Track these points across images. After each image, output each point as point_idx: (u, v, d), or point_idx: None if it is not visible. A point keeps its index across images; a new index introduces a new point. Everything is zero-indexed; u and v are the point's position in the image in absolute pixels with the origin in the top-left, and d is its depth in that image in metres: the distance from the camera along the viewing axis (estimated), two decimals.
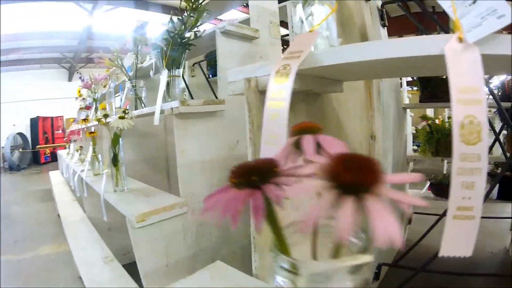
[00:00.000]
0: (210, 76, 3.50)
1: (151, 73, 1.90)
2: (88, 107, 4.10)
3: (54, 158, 11.88)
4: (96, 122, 2.76)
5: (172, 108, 1.61)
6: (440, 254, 0.66)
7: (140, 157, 2.93)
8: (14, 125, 12.32)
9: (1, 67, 10.95)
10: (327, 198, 0.30)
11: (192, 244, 1.67)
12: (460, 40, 0.63)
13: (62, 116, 13.64)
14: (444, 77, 1.03)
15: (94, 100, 3.61)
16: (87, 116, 3.52)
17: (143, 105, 2.34)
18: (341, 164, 0.31)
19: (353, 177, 0.30)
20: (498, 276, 2.17)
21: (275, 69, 0.86)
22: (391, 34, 2.15)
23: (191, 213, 1.66)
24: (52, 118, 13.32)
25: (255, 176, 0.34)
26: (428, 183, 4.99)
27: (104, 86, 3.66)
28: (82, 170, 2.75)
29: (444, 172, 5.07)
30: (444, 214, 0.65)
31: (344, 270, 0.33)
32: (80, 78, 4.31)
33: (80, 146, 3.64)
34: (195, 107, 1.67)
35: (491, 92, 1.79)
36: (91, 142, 2.60)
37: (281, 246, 0.37)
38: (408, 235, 2.69)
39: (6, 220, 4.83)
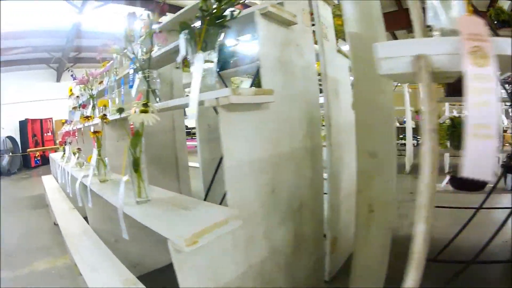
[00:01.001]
0: (218, 69, 3.17)
1: (179, 57, 1.53)
2: (83, 105, 3.70)
3: (44, 161, 11.42)
4: (97, 121, 2.38)
5: (217, 99, 1.29)
6: (463, 174, 0.71)
7: (146, 158, 2.57)
8: (3, 128, 11.77)
9: None
10: None
11: (242, 261, 1.42)
12: None
13: (51, 118, 13.16)
14: None
15: (91, 96, 3.23)
16: (91, 113, 3.12)
17: (157, 99, 1.96)
18: None
19: None
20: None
21: (466, 49, 0.76)
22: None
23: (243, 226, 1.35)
24: (41, 120, 12.80)
25: None
26: (447, 177, 4.81)
27: (100, 83, 3.32)
28: (85, 176, 2.36)
29: None
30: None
31: None
32: (72, 76, 3.95)
33: (78, 149, 3.23)
34: (247, 97, 1.39)
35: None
36: (95, 144, 2.20)
37: None
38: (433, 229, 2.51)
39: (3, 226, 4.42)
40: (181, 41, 1.50)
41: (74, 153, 3.24)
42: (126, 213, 1.44)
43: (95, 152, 2.15)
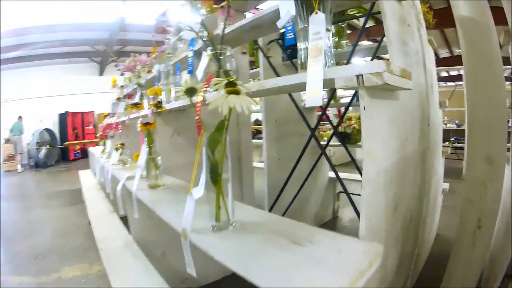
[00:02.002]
0: (286, 58, 2.86)
1: (280, 21, 1.06)
2: (129, 96, 3.26)
3: (84, 154, 11.19)
4: (148, 112, 1.92)
5: (361, 77, 0.86)
6: None
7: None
8: (41, 121, 11.70)
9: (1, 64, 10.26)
10: None
11: None
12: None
13: (92, 111, 13.06)
14: None
15: (139, 85, 2.79)
16: (141, 99, 2.67)
17: None
18: None
19: None
20: None
21: None
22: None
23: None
24: (82, 113, 12.73)
25: None
26: None
27: (149, 72, 2.91)
28: (130, 178, 1.89)
29: None
30: None
31: None
32: (115, 66, 3.57)
33: (121, 144, 2.77)
34: (398, 79, 0.94)
35: None
36: (143, 140, 1.71)
37: None
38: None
39: (26, 227, 4.03)
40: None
41: (117, 149, 2.78)
42: (197, 245, 0.93)
43: (144, 149, 1.66)
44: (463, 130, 5.68)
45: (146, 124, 1.65)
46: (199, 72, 1.55)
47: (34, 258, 3.07)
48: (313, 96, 0.88)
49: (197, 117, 1.03)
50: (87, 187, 4.09)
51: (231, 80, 0.94)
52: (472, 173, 1.58)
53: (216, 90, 0.93)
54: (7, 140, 10.72)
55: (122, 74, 3.27)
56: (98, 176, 3.78)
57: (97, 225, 2.56)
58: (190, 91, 1.04)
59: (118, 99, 3.75)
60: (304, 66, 1.06)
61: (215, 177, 0.95)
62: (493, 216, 1.56)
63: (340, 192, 3.71)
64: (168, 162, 2.06)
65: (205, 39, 1.62)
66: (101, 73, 13.47)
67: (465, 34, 1.57)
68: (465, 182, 1.60)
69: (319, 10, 0.98)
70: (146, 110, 1.96)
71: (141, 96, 2.79)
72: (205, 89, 1.10)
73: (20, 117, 10.75)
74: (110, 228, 2.45)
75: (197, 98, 1.05)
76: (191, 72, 1.95)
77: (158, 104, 1.76)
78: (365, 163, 0.92)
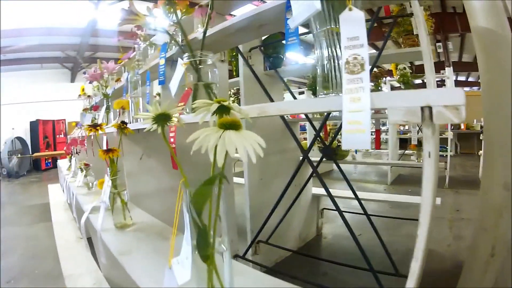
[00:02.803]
0: (268, 68, 2.68)
1: (295, 20, 0.74)
2: (95, 107, 2.90)
3: (56, 164, 10.66)
4: (112, 130, 1.59)
5: (430, 109, 0.59)
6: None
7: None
8: (13, 128, 11.09)
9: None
10: None
11: None
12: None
13: (64, 119, 12.48)
14: None
15: (105, 96, 2.45)
16: (105, 118, 2.33)
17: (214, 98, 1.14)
18: None
19: None
20: None
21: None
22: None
23: None
24: (53, 121, 12.15)
25: None
26: None
27: (117, 81, 2.61)
28: (95, 209, 1.55)
29: None
30: None
31: None
32: (84, 73, 3.24)
33: (86, 164, 2.40)
34: None
35: None
36: (107, 170, 1.36)
37: None
38: None
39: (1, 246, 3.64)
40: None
41: (81, 169, 2.41)
42: None
43: (107, 181, 1.31)
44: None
45: (107, 150, 1.30)
46: (173, 85, 1.21)
47: (7, 282, 2.79)
48: (356, 132, 0.56)
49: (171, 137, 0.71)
50: (55, 205, 3.69)
51: (222, 102, 0.61)
52: (488, 200, 1.46)
53: (199, 115, 0.61)
54: None
55: (90, 82, 2.91)
56: (66, 196, 3.40)
57: (64, 257, 2.20)
58: (162, 118, 0.71)
59: (85, 109, 3.38)
60: (329, 85, 0.75)
61: (204, 250, 0.61)
62: (506, 244, 1.41)
63: (324, 208, 3.49)
64: (137, 189, 1.73)
65: (181, 43, 1.29)
66: (72, 79, 12.87)
67: (482, 44, 1.41)
68: (481, 209, 1.49)
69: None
70: (111, 128, 1.60)
71: (107, 108, 2.44)
72: (180, 109, 0.78)
73: None
74: (78, 260, 2.09)
75: (171, 122, 0.72)
76: (163, 83, 1.71)
77: (122, 126, 1.40)
78: None
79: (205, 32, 1.22)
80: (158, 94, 5.06)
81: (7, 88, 11.17)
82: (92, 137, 2.45)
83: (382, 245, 2.15)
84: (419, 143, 4.52)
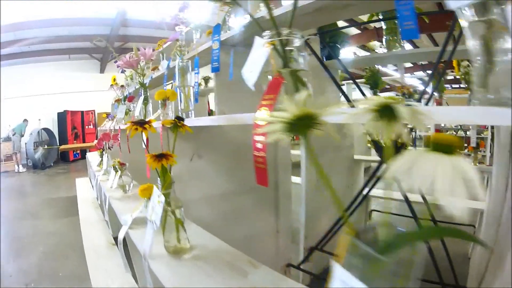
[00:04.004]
0: (324, 58, 2.37)
1: None
2: (130, 98, 2.62)
3: (85, 155, 10.47)
4: (157, 125, 1.30)
5: None
6: None
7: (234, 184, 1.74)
8: (39, 119, 11.00)
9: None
10: None
11: None
12: None
13: (93, 110, 12.36)
14: None
15: (142, 85, 2.17)
16: (142, 109, 2.04)
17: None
18: None
19: None
20: None
21: None
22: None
23: None
24: (82, 112, 12.04)
25: None
26: None
27: (153, 69, 2.48)
28: (136, 224, 1.26)
29: None
30: None
31: None
32: (115, 62, 3.00)
33: (121, 163, 2.10)
34: None
35: None
36: (159, 181, 1.03)
37: None
38: None
39: (16, 244, 3.39)
40: None
41: (115, 169, 2.11)
42: None
43: (157, 196, 0.99)
44: None
45: (158, 157, 0.99)
46: (252, 71, 0.89)
47: (26, 285, 2.56)
48: None
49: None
50: (83, 201, 3.42)
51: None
52: None
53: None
54: (7, 139, 10.03)
55: (122, 71, 2.64)
56: (96, 193, 3.13)
57: (94, 265, 1.94)
58: (305, 123, 0.40)
59: (118, 100, 3.12)
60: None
61: None
62: None
63: (373, 210, 3.26)
64: (186, 197, 1.44)
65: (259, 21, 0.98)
66: (102, 70, 12.70)
67: None
68: None
69: None
70: (157, 123, 1.29)
71: (146, 99, 2.16)
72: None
73: (25, 120, 10.15)
74: (111, 273, 1.81)
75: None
76: (217, 70, 1.58)
77: (178, 122, 1.09)
78: None
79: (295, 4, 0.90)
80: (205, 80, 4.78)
81: (32, 79, 11.12)
82: (127, 132, 2.17)
83: (447, 255, 1.85)
84: (477, 145, 4.15)
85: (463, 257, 2.48)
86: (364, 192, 2.00)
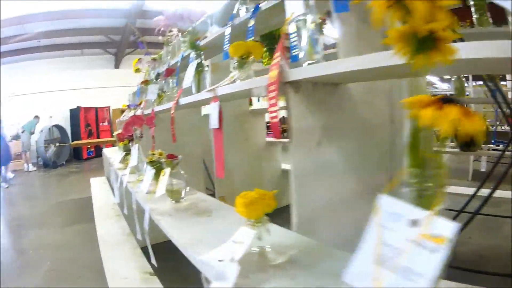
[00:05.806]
0: None
1: None
2: (168, 71, 1.97)
3: (99, 152, 9.84)
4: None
5: None
6: None
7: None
8: (51, 116, 10.50)
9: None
10: None
11: None
12: None
13: (108, 107, 11.85)
14: None
15: (193, 46, 1.54)
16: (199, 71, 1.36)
17: None
18: None
19: None
20: None
21: None
22: None
23: None
24: (96, 108, 11.52)
25: None
26: None
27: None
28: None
29: None
30: None
31: None
32: (139, 43, 2.48)
33: (170, 156, 1.34)
34: None
35: None
36: None
37: None
38: None
39: (23, 257, 2.74)
40: None
41: (157, 166, 1.37)
42: None
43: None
44: None
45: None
46: None
47: None
48: None
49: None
50: (100, 208, 2.73)
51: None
52: None
53: None
54: (16, 137, 9.48)
55: (159, 32, 2.06)
56: (117, 198, 2.41)
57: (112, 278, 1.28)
58: None
59: (145, 82, 2.54)
60: None
61: None
62: None
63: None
64: (310, 204, 0.90)
65: None
66: (116, 66, 12.13)
67: None
68: None
69: None
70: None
71: (199, 65, 1.47)
72: None
73: (36, 117, 9.56)
74: None
75: None
76: None
77: None
78: None
79: None
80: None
81: (44, 75, 10.68)
82: (172, 112, 1.48)
83: None
84: None
85: None
86: None
